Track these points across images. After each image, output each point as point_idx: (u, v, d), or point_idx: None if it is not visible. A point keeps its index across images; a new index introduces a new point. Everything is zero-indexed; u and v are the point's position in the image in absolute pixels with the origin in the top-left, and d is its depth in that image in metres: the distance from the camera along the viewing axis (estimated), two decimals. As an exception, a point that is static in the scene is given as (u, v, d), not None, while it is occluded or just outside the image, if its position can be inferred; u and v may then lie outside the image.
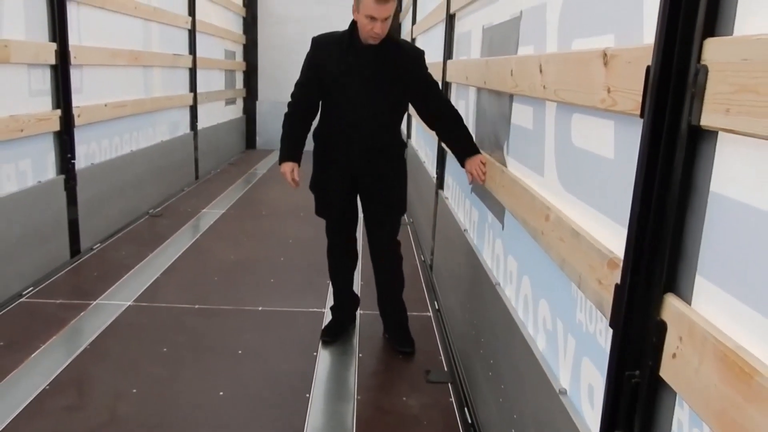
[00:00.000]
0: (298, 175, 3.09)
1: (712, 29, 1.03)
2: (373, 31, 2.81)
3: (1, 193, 3.72)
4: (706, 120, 1.01)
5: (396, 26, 10.29)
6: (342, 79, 2.94)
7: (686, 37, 1.06)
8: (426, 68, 3.10)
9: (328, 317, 3.56)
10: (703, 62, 1.02)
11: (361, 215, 3.29)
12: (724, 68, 0.97)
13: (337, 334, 3.41)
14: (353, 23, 2.92)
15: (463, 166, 2.95)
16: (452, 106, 3.18)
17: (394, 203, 3.21)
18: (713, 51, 1.00)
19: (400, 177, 3.21)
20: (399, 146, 3.19)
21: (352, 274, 3.47)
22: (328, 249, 3.38)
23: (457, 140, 3.02)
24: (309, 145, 3.16)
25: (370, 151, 3.03)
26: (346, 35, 2.95)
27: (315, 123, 3.19)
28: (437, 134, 3.28)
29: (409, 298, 3.58)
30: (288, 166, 3.10)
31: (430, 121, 3.19)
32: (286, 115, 3.14)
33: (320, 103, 3.08)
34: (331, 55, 2.96)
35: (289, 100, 3.12)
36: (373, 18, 2.77)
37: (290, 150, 3.13)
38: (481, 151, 2.89)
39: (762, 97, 0.87)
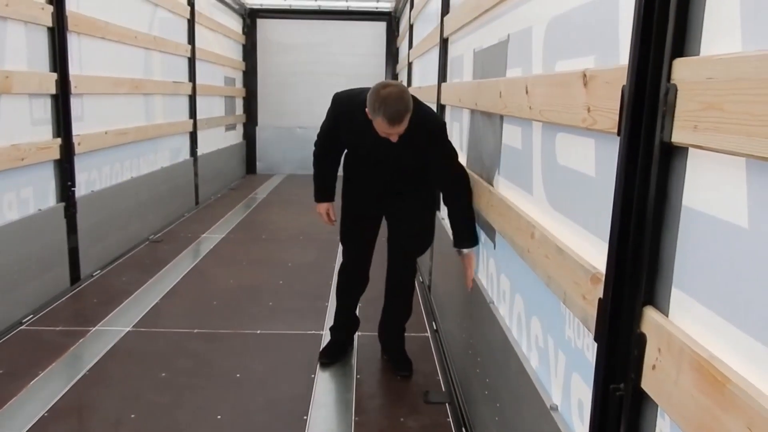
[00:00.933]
0: (333, 214, 3.26)
1: (681, 50, 1.07)
2: (389, 138, 2.76)
3: (1, 221, 3.76)
4: (677, 137, 1.04)
5: (394, 51, 10.43)
6: (363, 149, 3.04)
7: (657, 58, 1.10)
8: (446, 142, 2.97)
9: (326, 339, 3.57)
10: (672, 81, 1.06)
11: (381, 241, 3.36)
12: (692, 87, 1.00)
13: (335, 355, 3.42)
14: None
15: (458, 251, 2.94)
16: (464, 188, 2.92)
17: (423, 235, 3.28)
18: (681, 70, 1.04)
19: (429, 214, 3.29)
20: (428, 188, 3.22)
21: (358, 299, 3.49)
22: (341, 267, 3.43)
23: (457, 225, 2.92)
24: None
25: (398, 192, 3.15)
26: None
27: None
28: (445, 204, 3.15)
29: (408, 320, 3.58)
30: (323, 207, 3.26)
31: (443, 195, 3.13)
32: (314, 155, 3.22)
33: (345, 155, 3.23)
34: (353, 122, 2.91)
35: (316, 140, 3.19)
36: (387, 134, 2.73)
37: (323, 190, 3.27)
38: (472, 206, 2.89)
39: (726, 114, 0.90)
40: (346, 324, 3.50)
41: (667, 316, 1.10)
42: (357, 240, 3.29)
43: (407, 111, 2.66)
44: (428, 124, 2.91)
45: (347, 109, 2.95)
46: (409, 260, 3.33)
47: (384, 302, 3.40)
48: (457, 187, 2.93)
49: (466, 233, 2.88)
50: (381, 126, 2.69)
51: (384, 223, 3.33)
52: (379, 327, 3.45)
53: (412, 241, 3.27)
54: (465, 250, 2.86)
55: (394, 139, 2.75)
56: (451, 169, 2.96)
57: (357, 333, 3.62)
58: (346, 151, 3.21)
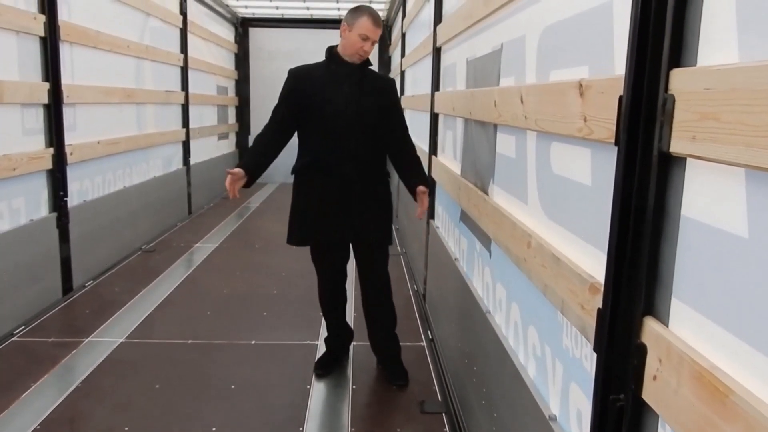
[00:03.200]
0: (238, 189, 2.99)
1: (677, 60, 1.07)
2: (362, 50, 3.01)
3: (-7, 232, 3.74)
4: (675, 147, 1.05)
5: (386, 60, 10.46)
6: (327, 94, 3.03)
7: (654, 68, 1.10)
8: (398, 97, 3.30)
9: (321, 349, 3.55)
10: (670, 92, 1.06)
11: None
12: (689, 97, 1.01)
13: (330, 366, 3.40)
14: (330, 50, 3.12)
15: (414, 197, 3.24)
16: (412, 144, 3.31)
17: (382, 235, 3.23)
18: (679, 81, 1.05)
19: (386, 209, 3.24)
20: (384, 175, 3.24)
21: (344, 312, 3.47)
22: (318, 291, 3.38)
23: (409, 171, 3.27)
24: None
25: (358, 175, 3.06)
26: (325, 60, 3.12)
27: (287, 161, 3.21)
28: (392, 163, 3.32)
29: (403, 329, 3.58)
30: (238, 171, 2.99)
31: (391, 152, 3.27)
32: (255, 137, 3.21)
33: (300, 134, 3.14)
34: (312, 78, 3.09)
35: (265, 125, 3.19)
36: (366, 38, 2.99)
37: (248, 161, 3.11)
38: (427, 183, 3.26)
39: (723, 125, 0.91)
40: (339, 335, 3.49)
41: (666, 326, 1.10)
42: (323, 256, 3.26)
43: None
44: (383, 75, 3.40)
45: (305, 70, 3.15)
46: (378, 263, 3.26)
47: (365, 311, 3.37)
48: (407, 146, 3.27)
49: (419, 176, 3.24)
50: (364, 26, 2.98)
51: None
52: (369, 337, 3.43)
53: (377, 238, 3.21)
54: (420, 188, 3.19)
55: (368, 48, 3.01)
56: (403, 128, 3.26)
57: (352, 343, 3.60)
58: (298, 150, 3.17)
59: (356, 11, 3.04)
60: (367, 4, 3.07)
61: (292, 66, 3.20)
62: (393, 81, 3.36)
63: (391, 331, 3.37)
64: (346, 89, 3.03)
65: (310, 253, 3.27)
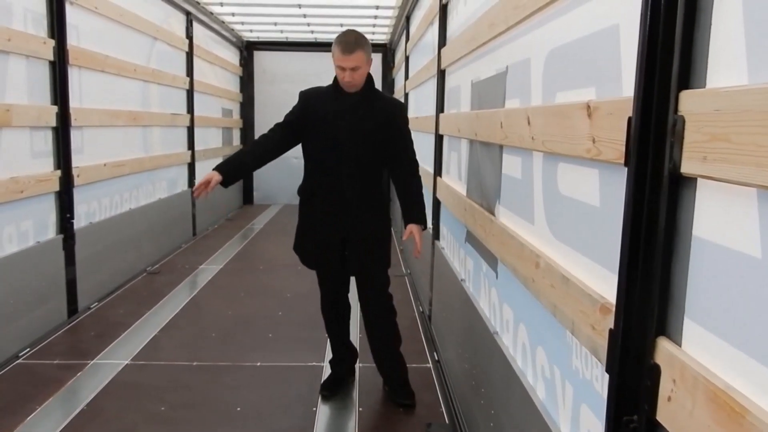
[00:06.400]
0: (211, 189, 2.98)
1: (686, 82, 1.09)
2: (344, 80, 2.98)
3: (0, 254, 3.74)
4: (686, 167, 1.05)
5: (390, 82, 10.54)
6: (330, 119, 3.04)
7: (663, 90, 1.11)
8: (406, 121, 3.23)
9: (327, 371, 3.53)
10: (679, 113, 1.07)
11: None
12: (699, 119, 1.02)
13: (336, 388, 3.38)
14: (335, 78, 3.09)
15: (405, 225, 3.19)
16: (416, 173, 3.25)
17: (380, 264, 3.21)
18: (688, 102, 1.06)
19: (385, 234, 3.23)
20: (383, 200, 3.26)
21: (348, 326, 3.46)
22: (321, 303, 3.39)
23: (408, 206, 3.21)
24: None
25: (356, 201, 3.07)
26: (332, 85, 3.11)
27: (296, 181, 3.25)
28: (395, 186, 3.28)
29: (409, 350, 3.56)
30: (213, 173, 2.99)
31: (393, 177, 3.25)
32: (251, 143, 3.20)
33: (304, 156, 3.16)
34: (320, 101, 3.11)
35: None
36: (341, 68, 2.95)
37: (228, 163, 3.13)
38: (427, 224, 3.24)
39: (734, 145, 0.92)
40: (344, 356, 3.47)
41: (680, 346, 1.10)
42: (324, 269, 3.26)
43: (358, 43, 2.94)
44: (391, 98, 3.31)
45: (315, 91, 3.18)
46: (377, 284, 3.24)
47: (367, 332, 3.35)
48: (410, 169, 3.22)
49: (416, 212, 3.19)
50: (335, 57, 2.95)
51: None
52: (373, 358, 3.41)
53: (374, 265, 3.19)
54: (414, 226, 3.16)
55: (347, 78, 2.94)
56: (408, 152, 3.21)
57: (357, 364, 3.59)
58: (303, 172, 3.18)
59: (334, 41, 3.02)
60: (353, 29, 3.06)
61: (297, 88, 3.27)
62: (400, 106, 3.32)
63: (396, 351, 3.34)
64: (347, 119, 3.03)
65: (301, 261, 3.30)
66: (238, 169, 3.15)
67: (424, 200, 3.24)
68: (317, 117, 3.07)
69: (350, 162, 3.05)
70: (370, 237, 3.14)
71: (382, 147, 3.11)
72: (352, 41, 2.95)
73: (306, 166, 3.19)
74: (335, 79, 3.09)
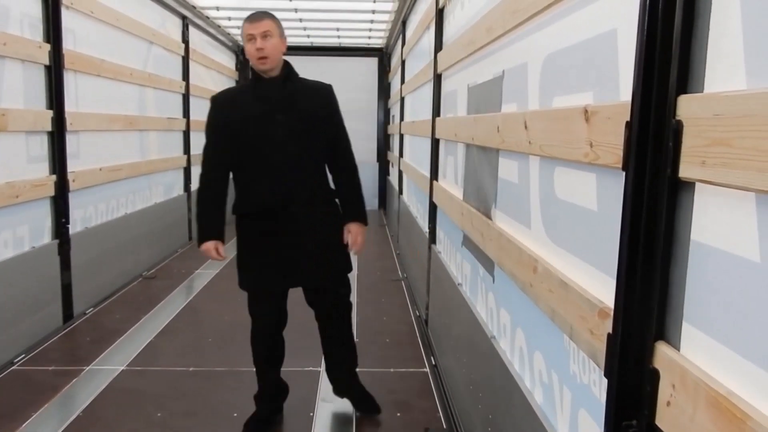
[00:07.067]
0: (224, 251, 2.89)
1: (684, 87, 1.09)
2: (255, 53, 2.67)
3: (-5, 259, 3.73)
4: (685, 172, 1.05)
5: (386, 86, 10.55)
6: (253, 121, 2.73)
7: (661, 94, 1.11)
8: (337, 106, 2.95)
9: (325, 376, 3.51)
10: (678, 117, 1.07)
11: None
12: (698, 123, 1.02)
13: (261, 430, 3.01)
14: (252, 69, 2.80)
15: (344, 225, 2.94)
16: (354, 166, 2.99)
17: (335, 275, 2.95)
18: (687, 107, 1.06)
19: (337, 240, 2.92)
20: (328, 195, 2.92)
21: (282, 359, 3.10)
22: (253, 333, 3.06)
23: (348, 203, 2.95)
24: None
25: (296, 201, 2.77)
26: (248, 81, 2.86)
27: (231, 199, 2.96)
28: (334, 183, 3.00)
29: (406, 355, 3.56)
30: (210, 245, 2.85)
31: (331, 171, 2.98)
32: (197, 190, 2.90)
33: (233, 171, 2.85)
34: (237, 102, 2.82)
35: (200, 174, 2.90)
36: (252, 37, 2.67)
37: (209, 227, 2.89)
38: (367, 222, 2.97)
39: (734, 150, 0.92)
40: (274, 397, 3.11)
41: (679, 351, 1.10)
42: (260, 292, 2.96)
43: (267, 14, 2.73)
44: (317, 82, 2.93)
45: (229, 97, 2.93)
46: (329, 296, 2.99)
47: (322, 346, 3.14)
48: (347, 162, 2.95)
49: (356, 209, 2.95)
50: (245, 31, 2.70)
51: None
52: (328, 375, 3.20)
53: (325, 272, 2.91)
54: (355, 225, 2.93)
55: (259, 45, 2.64)
56: (343, 141, 2.96)
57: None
58: (232, 172, 2.86)
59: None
60: None
61: None
62: (329, 88, 2.95)
63: (352, 369, 3.17)
64: (272, 111, 2.73)
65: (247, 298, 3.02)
66: (221, 219, 2.91)
67: (363, 194, 2.99)
68: (238, 121, 2.75)
69: (287, 161, 2.74)
70: (321, 246, 2.86)
71: (317, 135, 2.82)
72: (260, 12, 2.74)
73: (234, 180, 2.86)
74: (251, 71, 2.82)
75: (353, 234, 2.92)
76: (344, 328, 3.12)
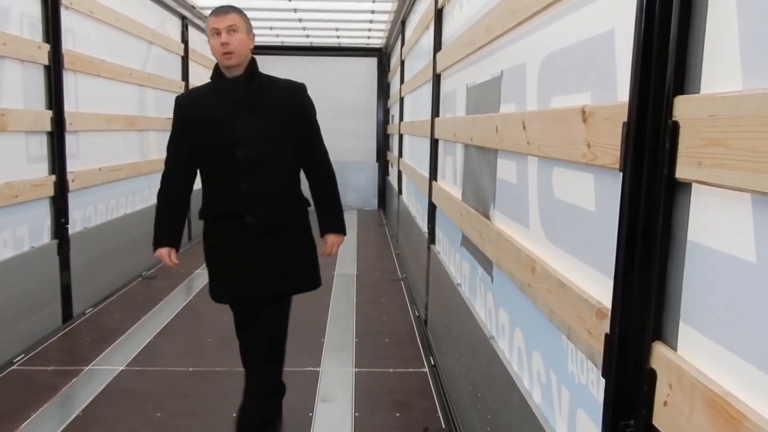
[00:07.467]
0: (177, 258, 2.77)
1: (681, 87, 1.09)
2: (220, 46, 2.50)
3: (-6, 259, 3.74)
4: (681, 173, 1.06)
5: (385, 86, 10.55)
6: (214, 123, 2.57)
7: (658, 95, 1.12)
8: (310, 106, 2.74)
9: (324, 377, 3.52)
10: (674, 118, 1.08)
11: None
12: (694, 124, 1.02)
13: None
14: (216, 66, 2.64)
15: (322, 235, 2.82)
16: (329, 172, 2.81)
17: (305, 280, 2.75)
18: (683, 108, 1.06)
19: (302, 240, 2.73)
20: (298, 200, 2.72)
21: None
22: (241, 350, 2.90)
23: (325, 213, 2.81)
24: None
25: (261, 206, 2.60)
26: (212, 80, 2.67)
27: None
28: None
29: (405, 355, 3.56)
30: (164, 252, 2.74)
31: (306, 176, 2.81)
32: (158, 192, 2.79)
33: (200, 173, 2.73)
34: (200, 103, 2.66)
35: (162, 176, 2.79)
36: (217, 31, 2.51)
37: (165, 233, 2.77)
38: (345, 231, 2.85)
39: (730, 151, 0.92)
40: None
41: (676, 351, 1.10)
42: (235, 290, 2.71)
43: (234, 8, 2.56)
44: (289, 81, 2.74)
45: (193, 97, 2.79)
46: (270, 316, 2.73)
47: (245, 382, 2.86)
48: (323, 169, 2.77)
49: (334, 220, 2.81)
50: (210, 26, 2.53)
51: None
52: (239, 415, 2.86)
53: (290, 282, 2.71)
54: (333, 236, 2.81)
55: (224, 39, 2.48)
56: (317, 145, 2.76)
57: (353, 368, 3.57)
58: (200, 175, 2.74)
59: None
60: None
61: None
62: (301, 87, 2.74)
63: (275, 405, 2.89)
64: (234, 112, 2.57)
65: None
66: (177, 225, 2.81)
67: (340, 201, 2.84)
68: (199, 122, 2.60)
69: (254, 164, 2.57)
70: (289, 255, 2.68)
71: (288, 136, 2.64)
72: (226, 6, 2.58)
73: (202, 184, 2.73)
74: (216, 69, 2.64)
75: (329, 244, 2.81)
76: (276, 358, 2.85)
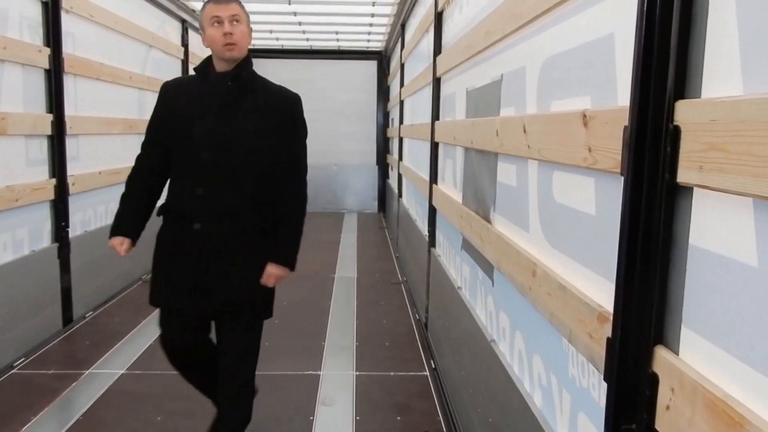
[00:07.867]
0: (126, 250, 2.51)
1: (682, 92, 1.09)
2: (222, 36, 2.34)
3: (-6, 263, 3.73)
4: (683, 177, 1.06)
5: (385, 89, 10.56)
6: (186, 120, 2.39)
7: (658, 99, 1.12)
8: (300, 121, 2.52)
9: (324, 380, 3.52)
10: (675, 123, 1.08)
11: None
12: (695, 128, 1.02)
13: None
14: (207, 57, 2.50)
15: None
16: (301, 198, 2.54)
17: (255, 303, 2.50)
18: (684, 112, 1.06)
19: (254, 263, 2.44)
20: (259, 219, 2.45)
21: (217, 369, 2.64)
22: (170, 358, 2.66)
23: (280, 243, 2.49)
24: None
25: (217, 217, 2.39)
26: (197, 73, 2.50)
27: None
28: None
29: (406, 358, 3.56)
30: (116, 241, 2.50)
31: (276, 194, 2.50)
32: (127, 178, 2.63)
33: (171, 167, 2.50)
34: (182, 92, 2.49)
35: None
36: (218, 19, 2.35)
37: (124, 220, 2.55)
38: (293, 267, 2.50)
39: (730, 155, 0.92)
40: (211, 390, 2.77)
41: (677, 355, 1.10)
42: (178, 296, 2.46)
43: None
44: (283, 89, 2.53)
45: (176, 83, 2.61)
46: (238, 344, 2.54)
47: (217, 402, 2.68)
48: (296, 193, 2.50)
49: (286, 252, 2.49)
50: (208, 13, 2.37)
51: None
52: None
53: (238, 297, 2.45)
54: (276, 267, 2.45)
55: (227, 29, 2.33)
56: (297, 167, 2.50)
57: (354, 371, 3.57)
58: (171, 169, 2.51)
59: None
60: None
61: None
62: (295, 98, 2.51)
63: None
64: (207, 112, 2.38)
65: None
66: (137, 215, 2.58)
67: (300, 233, 2.52)
68: (173, 115, 2.43)
69: (217, 171, 2.37)
70: (238, 273, 2.43)
71: (263, 151, 2.41)
72: None
73: (170, 180, 2.54)
74: (205, 59, 2.49)
75: (266, 274, 2.44)
76: (247, 392, 2.64)
